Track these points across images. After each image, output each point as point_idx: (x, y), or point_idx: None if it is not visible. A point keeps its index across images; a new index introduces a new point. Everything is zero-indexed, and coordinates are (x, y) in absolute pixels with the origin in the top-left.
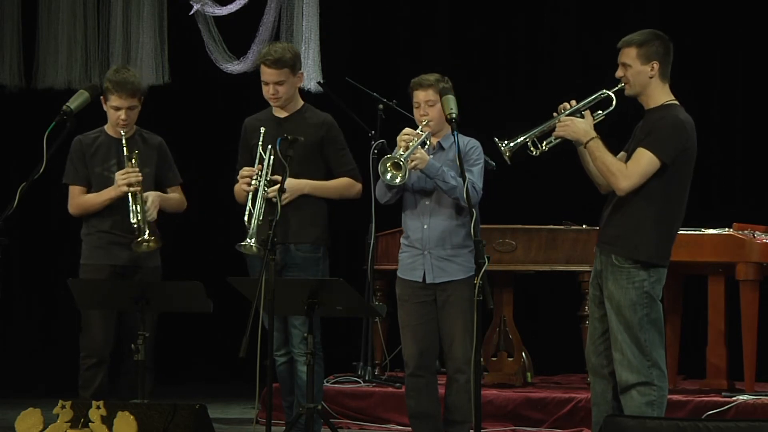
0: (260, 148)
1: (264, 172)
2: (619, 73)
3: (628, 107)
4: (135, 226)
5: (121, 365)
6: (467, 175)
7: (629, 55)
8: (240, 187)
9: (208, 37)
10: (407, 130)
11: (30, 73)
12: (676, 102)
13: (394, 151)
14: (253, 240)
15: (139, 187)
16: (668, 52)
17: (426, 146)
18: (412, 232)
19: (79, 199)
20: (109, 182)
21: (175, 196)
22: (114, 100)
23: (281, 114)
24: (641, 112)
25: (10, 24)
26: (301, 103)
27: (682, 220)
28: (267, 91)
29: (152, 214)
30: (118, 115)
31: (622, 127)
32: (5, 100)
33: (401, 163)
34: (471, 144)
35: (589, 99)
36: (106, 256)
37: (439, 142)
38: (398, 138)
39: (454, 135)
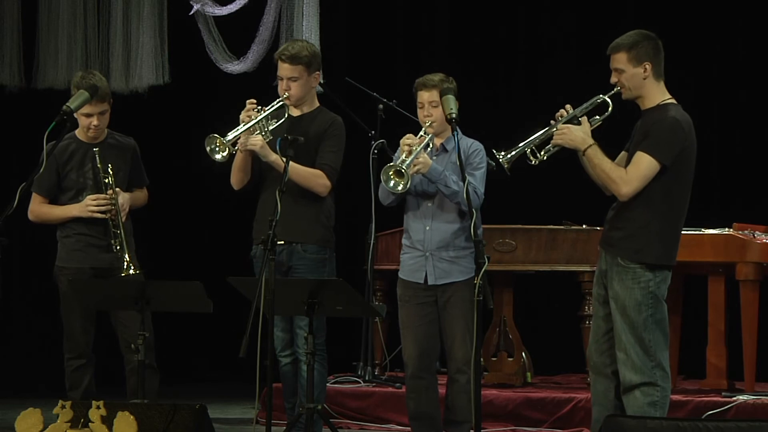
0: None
1: (266, 111)
2: (613, 79)
3: (625, 108)
4: (116, 251)
5: (127, 366)
6: (469, 178)
7: (620, 60)
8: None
9: (208, 37)
10: (409, 135)
11: (30, 73)
12: (673, 100)
13: (396, 155)
14: (220, 137)
15: (113, 213)
16: (658, 51)
17: (429, 148)
18: (414, 233)
19: (40, 208)
20: (86, 187)
21: (140, 195)
22: (85, 107)
23: (294, 113)
24: (639, 112)
25: (10, 24)
26: (317, 104)
27: (684, 218)
28: (280, 87)
29: (123, 217)
30: (90, 121)
31: (620, 129)
32: (5, 100)
33: (403, 171)
34: (474, 147)
35: (586, 105)
36: (85, 258)
37: (442, 144)
38: (401, 142)
39: (454, 136)
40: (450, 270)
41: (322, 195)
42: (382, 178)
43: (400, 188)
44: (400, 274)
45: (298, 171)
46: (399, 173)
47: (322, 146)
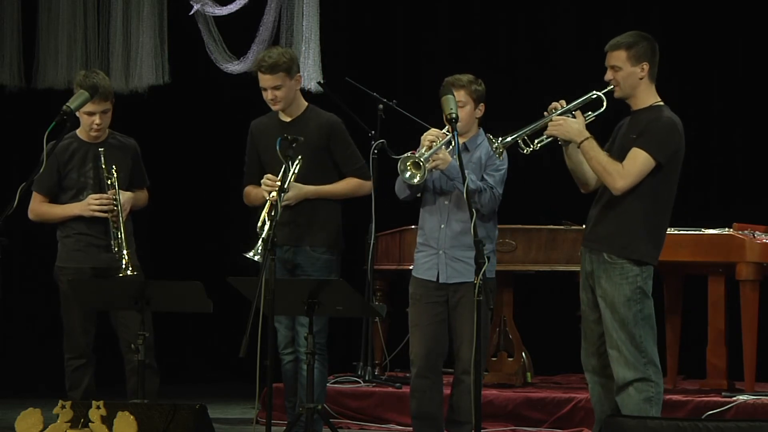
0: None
1: (287, 183)
2: (608, 76)
3: (608, 110)
4: (115, 252)
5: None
6: (488, 179)
7: (619, 58)
8: (260, 190)
9: (208, 37)
10: (433, 130)
11: (30, 73)
12: (663, 103)
13: (417, 149)
14: (260, 250)
15: (114, 213)
16: (655, 53)
17: (450, 147)
18: (429, 230)
19: (40, 207)
20: (87, 187)
21: (141, 195)
22: (87, 106)
23: (285, 118)
24: (623, 113)
25: (10, 24)
26: (305, 105)
27: (669, 220)
28: (266, 96)
29: (124, 216)
30: (92, 120)
31: (600, 127)
32: (5, 100)
33: (420, 163)
34: None
35: (580, 100)
36: (85, 258)
37: (465, 143)
38: (423, 137)
39: (454, 136)
40: (461, 269)
41: (369, 194)
42: (399, 167)
43: (416, 180)
44: (413, 273)
45: (339, 192)
46: (416, 165)
47: (338, 152)
